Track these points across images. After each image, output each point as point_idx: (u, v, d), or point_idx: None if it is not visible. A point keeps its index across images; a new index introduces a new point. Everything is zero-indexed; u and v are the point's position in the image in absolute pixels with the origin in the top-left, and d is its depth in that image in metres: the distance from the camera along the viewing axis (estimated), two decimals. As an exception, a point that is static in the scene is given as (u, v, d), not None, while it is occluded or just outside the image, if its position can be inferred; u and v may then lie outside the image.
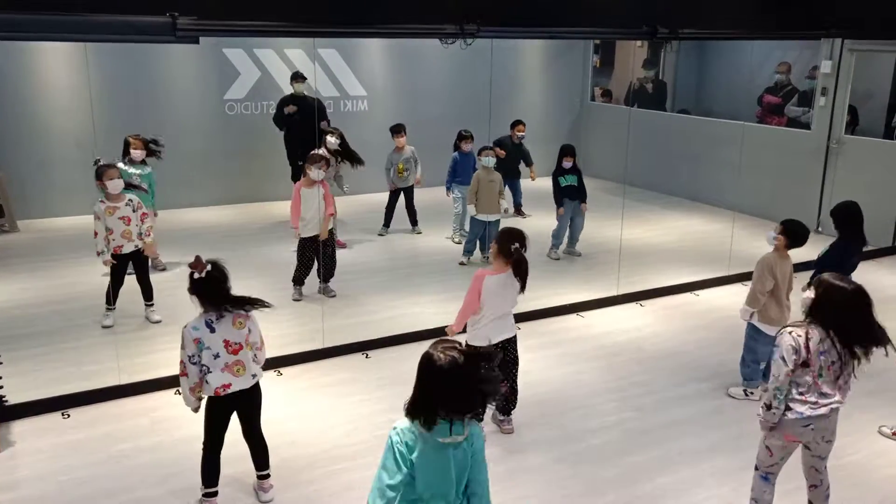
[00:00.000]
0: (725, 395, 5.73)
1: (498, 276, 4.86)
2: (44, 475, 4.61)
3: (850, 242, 6.01)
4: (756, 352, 5.60)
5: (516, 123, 10.22)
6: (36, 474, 4.63)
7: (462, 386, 2.80)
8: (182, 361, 4.08)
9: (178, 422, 5.22)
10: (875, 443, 5.15)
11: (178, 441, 5.00)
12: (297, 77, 9.85)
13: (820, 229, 9.68)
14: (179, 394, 5.55)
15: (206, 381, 4.09)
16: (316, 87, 9.95)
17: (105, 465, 4.73)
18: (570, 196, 8.67)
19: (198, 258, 4.04)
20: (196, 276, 4.00)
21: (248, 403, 4.26)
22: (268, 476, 4.43)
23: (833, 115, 9.77)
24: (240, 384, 4.12)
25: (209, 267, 4.01)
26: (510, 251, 4.77)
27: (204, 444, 4.26)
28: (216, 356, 4.05)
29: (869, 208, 6.30)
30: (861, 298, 3.72)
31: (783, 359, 3.75)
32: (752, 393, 5.62)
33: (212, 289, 4.02)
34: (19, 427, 5.11)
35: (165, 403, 5.48)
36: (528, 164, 10.25)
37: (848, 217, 6.03)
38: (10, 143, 9.45)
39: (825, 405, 3.80)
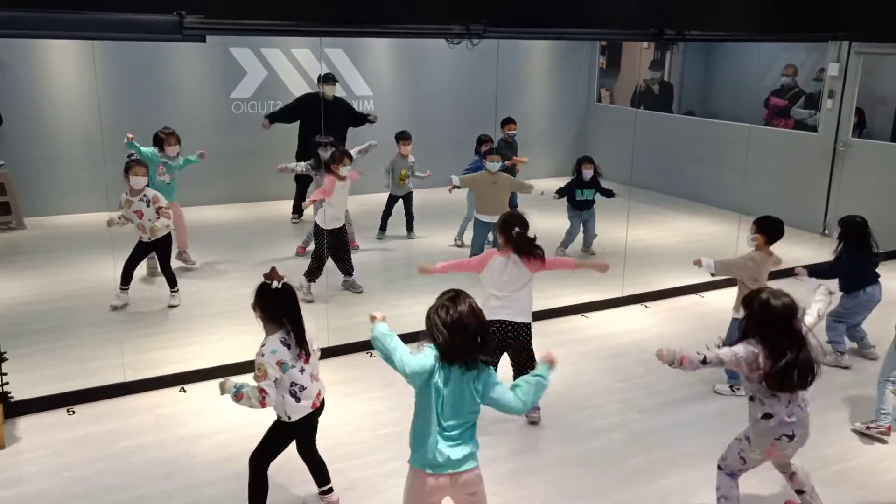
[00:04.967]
0: (712, 391, 5.73)
1: (502, 258, 5.07)
2: (48, 471, 4.64)
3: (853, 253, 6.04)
4: None
5: (507, 122, 9.95)
6: (40, 470, 4.65)
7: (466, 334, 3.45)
8: (263, 391, 3.76)
9: (183, 419, 5.25)
10: (878, 447, 5.13)
11: (182, 438, 5.01)
12: (327, 79, 9.39)
13: (826, 232, 9.66)
14: (184, 391, 5.60)
15: (299, 400, 3.92)
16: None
17: (109, 461, 4.75)
18: (583, 208, 8.68)
19: (273, 269, 3.90)
20: (274, 285, 3.83)
21: (316, 417, 4.17)
22: (331, 490, 4.33)
23: (840, 117, 9.74)
24: (323, 389, 4.12)
25: (285, 279, 3.90)
26: (512, 236, 5.04)
27: (259, 463, 4.02)
28: (302, 371, 3.93)
29: (876, 212, 6.31)
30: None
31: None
32: (738, 389, 5.61)
33: (287, 303, 3.86)
34: (24, 423, 5.14)
35: (170, 400, 5.50)
36: (514, 153, 10.13)
37: (849, 229, 6.12)
38: (18, 141, 9.49)
39: (799, 414, 3.87)
